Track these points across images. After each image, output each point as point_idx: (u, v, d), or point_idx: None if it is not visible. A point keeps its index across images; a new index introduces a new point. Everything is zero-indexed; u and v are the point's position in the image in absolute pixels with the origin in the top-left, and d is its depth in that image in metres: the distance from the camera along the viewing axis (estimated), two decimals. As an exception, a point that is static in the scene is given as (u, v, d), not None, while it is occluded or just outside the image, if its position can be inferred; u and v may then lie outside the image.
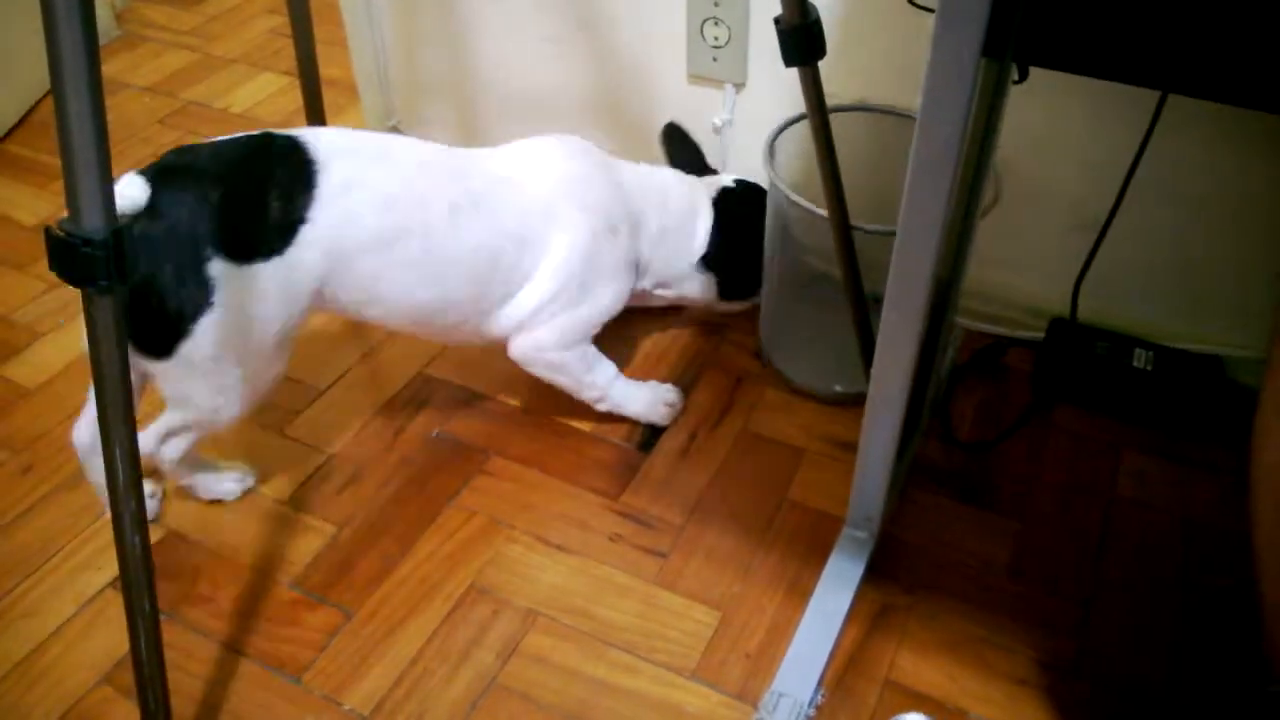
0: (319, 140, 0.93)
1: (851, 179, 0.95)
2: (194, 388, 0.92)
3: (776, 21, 0.85)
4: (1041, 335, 1.18)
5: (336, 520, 1.04)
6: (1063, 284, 1.15)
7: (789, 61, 0.86)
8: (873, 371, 0.84)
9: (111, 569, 1.00)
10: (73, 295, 1.35)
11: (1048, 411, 1.14)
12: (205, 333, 0.87)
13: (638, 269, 1.10)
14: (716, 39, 1.19)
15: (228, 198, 0.87)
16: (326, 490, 1.08)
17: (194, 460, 1.03)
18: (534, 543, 1.02)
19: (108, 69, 1.84)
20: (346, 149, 0.94)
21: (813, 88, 0.86)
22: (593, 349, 1.10)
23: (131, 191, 0.84)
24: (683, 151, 1.22)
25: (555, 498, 1.06)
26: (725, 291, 1.18)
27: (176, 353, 0.88)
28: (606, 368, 1.11)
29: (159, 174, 0.86)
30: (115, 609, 0.96)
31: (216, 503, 1.06)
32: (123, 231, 0.67)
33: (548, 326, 1.04)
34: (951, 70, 0.67)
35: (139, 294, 0.85)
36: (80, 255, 0.66)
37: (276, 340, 0.93)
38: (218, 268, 0.86)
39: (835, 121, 0.92)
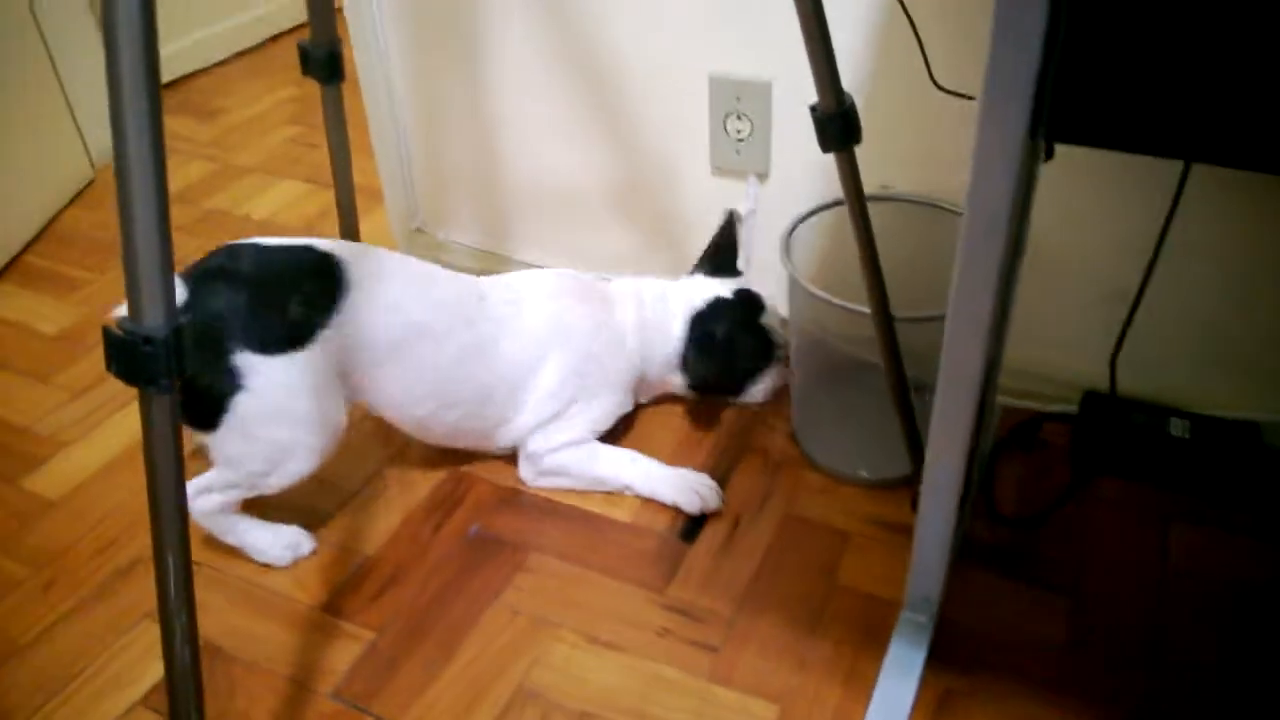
0: (354, 258, 1.05)
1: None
2: (244, 452, 1.01)
3: (813, 109, 0.86)
4: (1075, 408, 1.18)
5: (375, 625, 1.01)
6: (1094, 356, 1.15)
7: (826, 148, 0.87)
8: (928, 454, 0.84)
9: (140, 685, 0.96)
10: (96, 405, 1.34)
11: (1089, 485, 1.12)
12: (242, 410, 0.97)
13: (634, 377, 1.21)
14: (739, 132, 1.21)
15: (255, 298, 0.98)
16: (364, 594, 1.05)
17: (239, 518, 1.09)
18: (581, 641, 0.99)
19: (125, 183, 1.87)
20: (379, 273, 1.06)
21: (850, 172, 0.88)
22: (589, 442, 1.17)
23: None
24: (715, 251, 1.26)
25: (600, 593, 1.04)
26: (696, 386, 1.23)
27: (220, 426, 0.98)
28: (613, 456, 1.17)
29: (201, 275, 0.99)
30: (147, 728, 0.92)
31: (252, 605, 1.04)
32: (183, 330, 0.66)
33: (535, 439, 1.16)
34: (997, 152, 0.66)
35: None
36: (141, 354, 0.65)
37: (309, 421, 1.02)
38: (243, 358, 0.97)
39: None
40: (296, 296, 1.00)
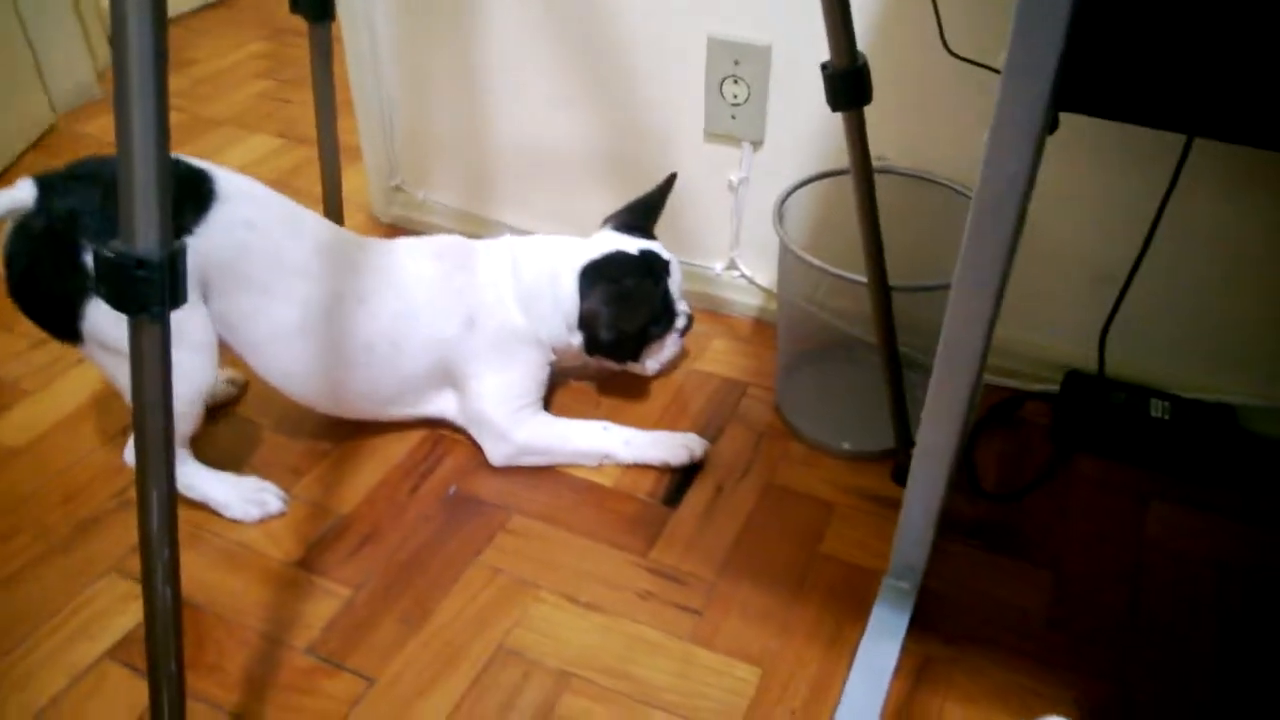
0: (227, 178, 1.01)
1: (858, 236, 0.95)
2: (121, 371, 0.95)
3: (824, 67, 0.86)
4: (1055, 388, 1.19)
5: (352, 582, 0.99)
6: (1076, 336, 1.17)
7: (835, 106, 0.86)
8: (922, 423, 0.84)
9: (106, 638, 0.93)
10: (59, 354, 1.29)
11: (1069, 462, 1.14)
12: (96, 315, 0.93)
13: (531, 333, 1.13)
14: (735, 97, 1.20)
15: (110, 197, 0.87)
16: (339, 551, 1.02)
17: (196, 470, 1.06)
18: (563, 602, 0.97)
19: (91, 129, 1.81)
20: (249, 195, 1.02)
21: (857, 133, 0.87)
22: (543, 418, 1.15)
23: (20, 193, 0.92)
24: (636, 208, 1.22)
25: (582, 555, 1.02)
26: (591, 348, 1.16)
27: (83, 336, 0.95)
28: (584, 429, 1.14)
29: (54, 176, 0.94)
30: (112, 681, 0.89)
31: (225, 560, 1.01)
32: (179, 253, 0.64)
33: (477, 421, 1.13)
34: (1017, 123, 0.65)
35: (27, 281, 0.94)
36: (134, 278, 0.62)
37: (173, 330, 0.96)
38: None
39: (844, 181, 0.92)
40: None
